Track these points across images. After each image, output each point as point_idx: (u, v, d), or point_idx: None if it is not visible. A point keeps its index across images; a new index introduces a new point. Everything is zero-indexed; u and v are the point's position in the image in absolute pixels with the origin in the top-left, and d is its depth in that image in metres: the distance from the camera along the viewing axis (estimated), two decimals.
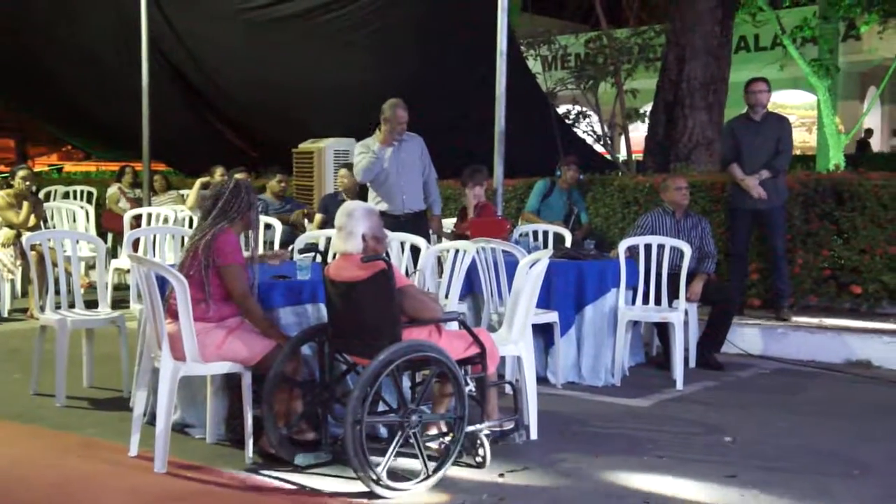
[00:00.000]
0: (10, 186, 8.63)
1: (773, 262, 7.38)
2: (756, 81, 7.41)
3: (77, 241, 7.95)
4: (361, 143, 7.15)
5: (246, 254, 4.60)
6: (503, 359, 5.00)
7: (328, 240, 6.00)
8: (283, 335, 4.55)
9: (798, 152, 16.24)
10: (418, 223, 7.09)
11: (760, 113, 7.36)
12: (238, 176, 8.59)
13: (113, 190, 11.10)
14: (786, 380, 6.46)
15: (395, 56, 9.92)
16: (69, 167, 19.65)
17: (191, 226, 9.09)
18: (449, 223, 8.04)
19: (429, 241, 6.97)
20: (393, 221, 6.80)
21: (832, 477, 4.33)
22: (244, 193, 4.60)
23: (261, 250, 5.11)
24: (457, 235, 7.38)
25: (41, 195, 10.72)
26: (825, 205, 7.64)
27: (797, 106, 22.05)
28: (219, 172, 9.67)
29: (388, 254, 4.61)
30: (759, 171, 7.23)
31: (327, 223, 7.62)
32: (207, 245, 4.46)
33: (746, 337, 7.14)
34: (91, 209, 10.60)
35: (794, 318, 7.32)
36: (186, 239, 4.86)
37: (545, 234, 7.55)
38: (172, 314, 4.39)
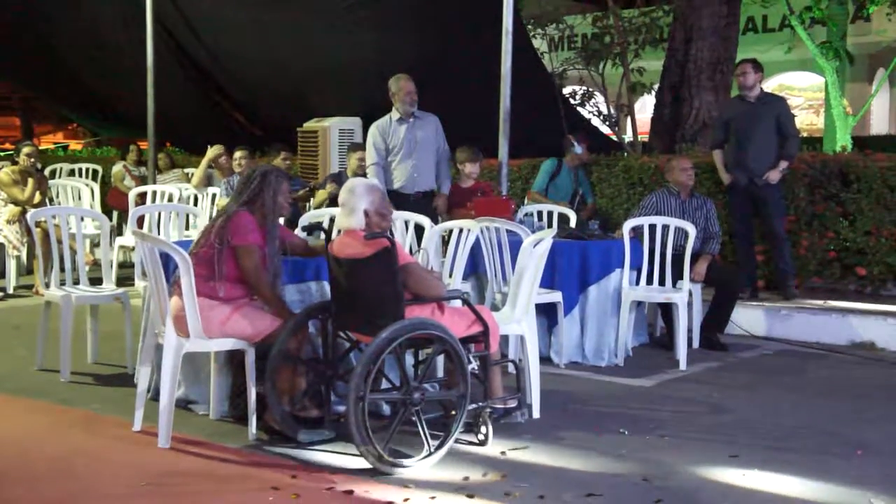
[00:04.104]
0: (15, 163, 8.64)
1: (773, 243, 7.38)
2: (742, 63, 7.48)
3: (82, 218, 7.98)
4: (375, 124, 7.12)
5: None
6: (506, 338, 5.00)
7: (332, 219, 6.00)
8: (294, 315, 4.54)
9: (805, 134, 16.15)
10: (428, 204, 7.07)
11: (754, 94, 7.37)
12: (239, 154, 8.58)
13: (118, 168, 11.12)
14: (789, 361, 6.46)
15: (399, 34, 9.87)
16: (74, 145, 19.66)
17: (195, 204, 9.09)
18: None
19: (436, 220, 6.95)
20: (403, 200, 6.79)
21: (834, 457, 4.34)
22: (271, 181, 4.56)
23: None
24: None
25: (46, 172, 10.73)
26: (831, 186, 7.61)
27: (805, 88, 21.91)
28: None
29: (391, 231, 4.61)
30: (765, 151, 7.25)
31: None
32: (223, 225, 4.48)
33: (750, 318, 7.13)
34: (96, 187, 10.63)
35: (799, 300, 7.31)
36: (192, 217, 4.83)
37: (550, 214, 7.54)
38: (180, 291, 4.39)
